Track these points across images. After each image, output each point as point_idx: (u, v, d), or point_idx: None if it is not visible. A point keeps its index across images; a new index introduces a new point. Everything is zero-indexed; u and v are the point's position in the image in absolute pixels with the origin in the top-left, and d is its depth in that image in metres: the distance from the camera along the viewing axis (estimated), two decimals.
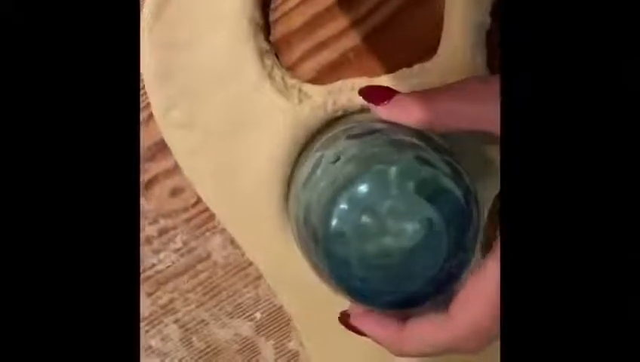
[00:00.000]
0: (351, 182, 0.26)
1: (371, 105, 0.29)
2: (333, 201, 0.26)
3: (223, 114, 0.32)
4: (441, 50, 0.31)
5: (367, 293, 0.27)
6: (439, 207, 0.26)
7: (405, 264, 0.26)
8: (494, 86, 0.27)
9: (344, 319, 0.31)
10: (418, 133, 0.28)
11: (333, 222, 0.26)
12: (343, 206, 0.26)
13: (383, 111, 0.29)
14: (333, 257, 0.27)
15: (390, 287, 0.27)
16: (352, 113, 0.32)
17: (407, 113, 0.28)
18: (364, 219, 0.26)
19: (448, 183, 0.26)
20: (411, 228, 0.26)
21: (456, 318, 0.27)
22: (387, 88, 0.29)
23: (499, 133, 0.27)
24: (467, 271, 0.27)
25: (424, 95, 0.28)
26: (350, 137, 0.29)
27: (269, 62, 0.31)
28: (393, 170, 0.26)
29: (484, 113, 0.27)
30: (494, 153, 0.32)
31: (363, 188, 0.26)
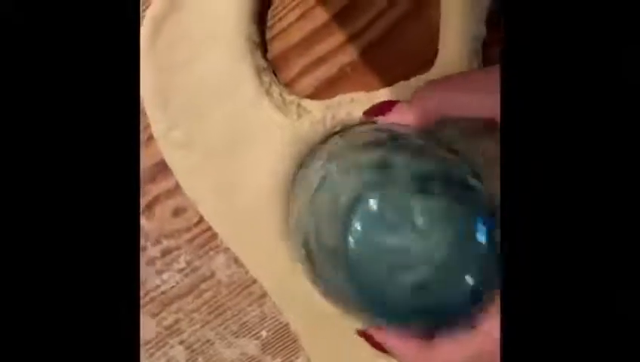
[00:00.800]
0: (365, 195, 0.24)
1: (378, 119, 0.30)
2: (348, 219, 0.24)
3: (222, 132, 0.32)
4: (437, 62, 0.32)
5: (394, 314, 0.26)
6: (468, 210, 0.24)
7: (434, 281, 0.24)
8: (495, 76, 0.27)
9: (365, 334, 0.30)
10: (427, 135, 0.27)
11: (352, 243, 0.24)
12: (360, 224, 0.24)
13: (387, 120, 0.29)
14: (357, 280, 0.25)
15: (418, 306, 0.25)
16: (352, 127, 0.32)
17: (405, 114, 0.28)
18: (385, 236, 0.24)
19: (475, 183, 0.24)
20: (440, 238, 0.24)
21: (485, 333, 0.26)
22: (389, 101, 0.30)
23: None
24: (497, 288, 0.25)
25: (421, 91, 0.28)
26: (356, 147, 0.27)
27: (266, 79, 0.32)
28: (409, 174, 0.24)
29: (484, 101, 0.27)
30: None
31: (378, 202, 0.24)
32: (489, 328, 0.26)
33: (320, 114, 0.32)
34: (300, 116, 0.32)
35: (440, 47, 0.32)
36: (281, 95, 0.32)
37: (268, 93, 0.31)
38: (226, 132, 0.32)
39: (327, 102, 0.32)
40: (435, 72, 0.32)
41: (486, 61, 0.32)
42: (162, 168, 0.33)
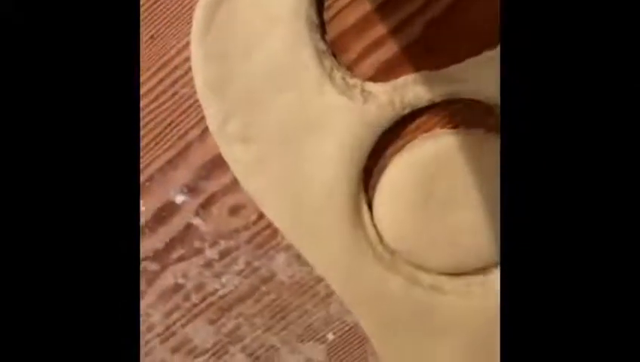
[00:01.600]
0: None
1: None
2: None
3: (283, 122, 0.30)
4: None
5: None
6: None
7: None
8: None
9: None
10: None
11: None
12: None
13: None
14: None
15: None
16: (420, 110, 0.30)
17: None
18: None
19: None
20: None
21: None
22: None
23: None
24: None
25: None
26: None
27: (327, 62, 0.30)
28: None
29: None
30: None
31: None
32: None
33: (386, 97, 0.30)
34: (365, 100, 0.29)
35: None
36: (343, 79, 0.30)
37: (330, 77, 0.29)
38: (287, 121, 0.30)
39: (392, 83, 0.30)
40: None
41: None
42: (218, 164, 0.31)
